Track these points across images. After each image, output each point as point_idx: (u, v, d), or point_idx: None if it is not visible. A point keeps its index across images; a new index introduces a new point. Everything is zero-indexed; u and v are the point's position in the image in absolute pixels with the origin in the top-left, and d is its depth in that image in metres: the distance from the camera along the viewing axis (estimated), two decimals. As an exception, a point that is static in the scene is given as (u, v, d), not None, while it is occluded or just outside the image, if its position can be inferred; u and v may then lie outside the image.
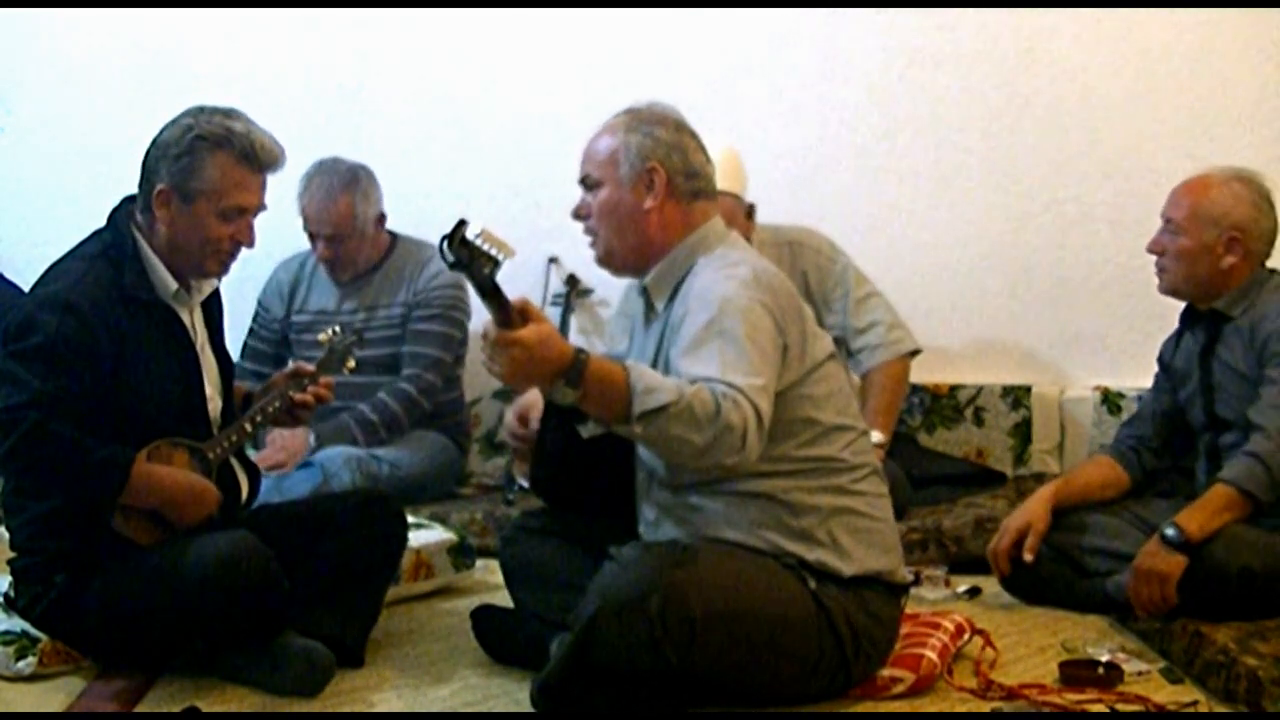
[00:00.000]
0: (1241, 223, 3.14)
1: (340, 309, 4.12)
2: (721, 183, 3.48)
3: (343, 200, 4.01)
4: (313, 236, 4.07)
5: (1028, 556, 3.22)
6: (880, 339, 3.78)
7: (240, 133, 2.77)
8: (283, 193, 4.24)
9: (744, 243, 2.75)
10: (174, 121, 2.80)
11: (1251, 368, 3.11)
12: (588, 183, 2.67)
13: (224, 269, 2.88)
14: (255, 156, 2.79)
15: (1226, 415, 3.15)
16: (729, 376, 2.36)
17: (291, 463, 3.82)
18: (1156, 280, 3.26)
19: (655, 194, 2.61)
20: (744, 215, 3.65)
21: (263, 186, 2.85)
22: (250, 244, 2.86)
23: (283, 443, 3.84)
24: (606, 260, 2.71)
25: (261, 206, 2.86)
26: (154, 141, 2.81)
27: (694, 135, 2.68)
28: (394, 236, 4.20)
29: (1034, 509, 3.25)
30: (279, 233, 4.40)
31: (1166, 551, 2.95)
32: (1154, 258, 3.25)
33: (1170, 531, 2.96)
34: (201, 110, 2.81)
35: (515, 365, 2.30)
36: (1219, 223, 3.14)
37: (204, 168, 2.76)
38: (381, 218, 4.13)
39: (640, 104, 2.69)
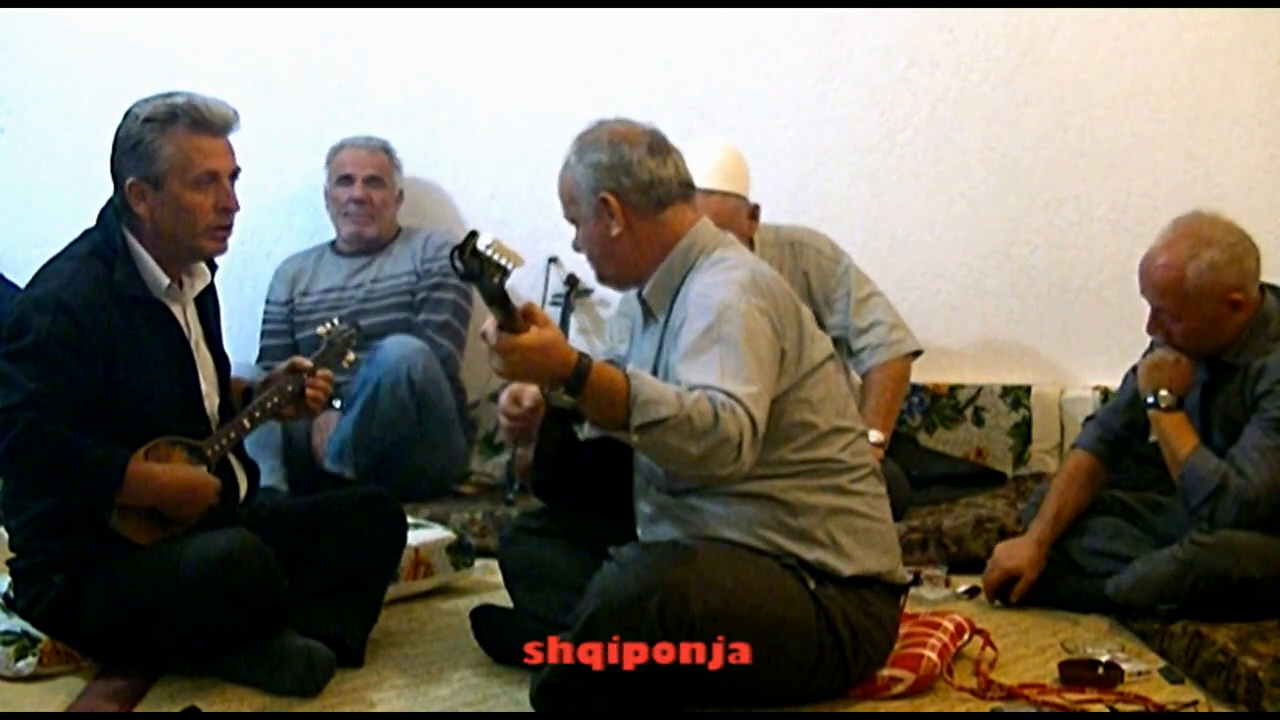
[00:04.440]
0: (1232, 282, 3.03)
1: (347, 284, 4.22)
2: (725, 184, 3.50)
3: (380, 153, 4.26)
4: (348, 179, 4.21)
5: (1013, 600, 3.22)
6: (881, 339, 3.78)
7: (184, 104, 2.79)
8: (282, 193, 4.26)
9: (739, 244, 2.74)
10: (121, 120, 2.82)
11: (1245, 412, 3.05)
12: (569, 219, 2.71)
13: (223, 244, 2.88)
14: (206, 120, 2.80)
15: (1218, 443, 3.10)
16: (727, 384, 2.36)
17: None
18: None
19: (617, 220, 2.62)
20: (748, 216, 3.64)
21: (228, 150, 2.85)
22: (234, 206, 2.85)
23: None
24: (603, 282, 2.78)
25: (235, 170, 2.86)
26: (111, 146, 2.82)
27: (635, 144, 2.61)
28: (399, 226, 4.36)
29: (1027, 556, 3.22)
30: (278, 234, 4.42)
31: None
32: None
33: (1156, 398, 3.13)
34: (143, 101, 2.82)
35: (515, 369, 2.31)
36: (1212, 295, 3.03)
37: (161, 148, 2.77)
38: (401, 195, 4.33)
39: (585, 128, 2.68)
